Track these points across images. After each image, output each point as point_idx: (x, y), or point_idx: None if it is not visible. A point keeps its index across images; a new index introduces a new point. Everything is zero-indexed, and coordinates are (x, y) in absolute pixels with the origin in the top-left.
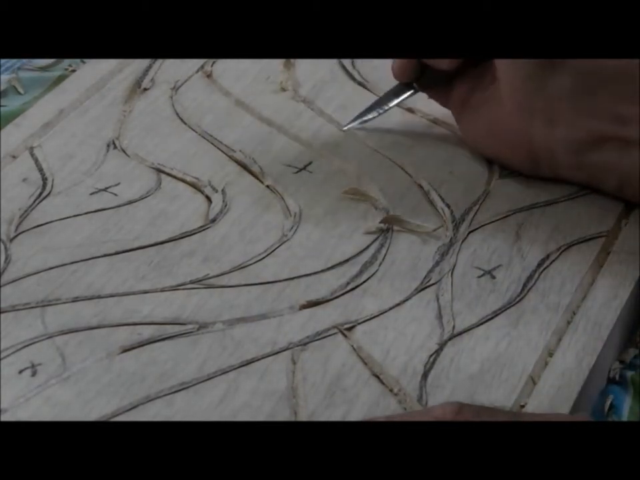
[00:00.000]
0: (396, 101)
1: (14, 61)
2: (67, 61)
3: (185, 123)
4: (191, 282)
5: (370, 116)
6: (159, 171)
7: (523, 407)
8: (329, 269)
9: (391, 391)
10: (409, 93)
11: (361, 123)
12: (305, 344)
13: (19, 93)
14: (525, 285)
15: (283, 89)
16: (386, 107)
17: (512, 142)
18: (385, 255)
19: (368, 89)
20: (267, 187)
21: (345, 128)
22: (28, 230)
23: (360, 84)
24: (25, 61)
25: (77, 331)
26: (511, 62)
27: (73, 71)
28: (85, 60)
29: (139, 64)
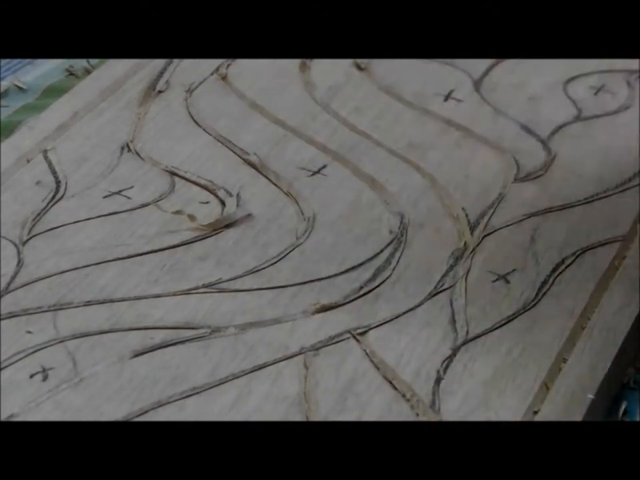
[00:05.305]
0: None
1: (15, 61)
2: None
3: (200, 126)
4: (204, 286)
5: None
6: (173, 174)
7: (536, 412)
8: (342, 273)
9: (404, 396)
10: None
11: None
12: (318, 349)
13: (22, 89)
14: (539, 290)
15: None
16: None
17: None
18: (398, 259)
19: (384, 92)
20: (281, 190)
21: None
22: (41, 233)
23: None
24: (26, 61)
25: (88, 335)
26: None
27: (72, 74)
28: (90, 60)
29: (153, 66)
